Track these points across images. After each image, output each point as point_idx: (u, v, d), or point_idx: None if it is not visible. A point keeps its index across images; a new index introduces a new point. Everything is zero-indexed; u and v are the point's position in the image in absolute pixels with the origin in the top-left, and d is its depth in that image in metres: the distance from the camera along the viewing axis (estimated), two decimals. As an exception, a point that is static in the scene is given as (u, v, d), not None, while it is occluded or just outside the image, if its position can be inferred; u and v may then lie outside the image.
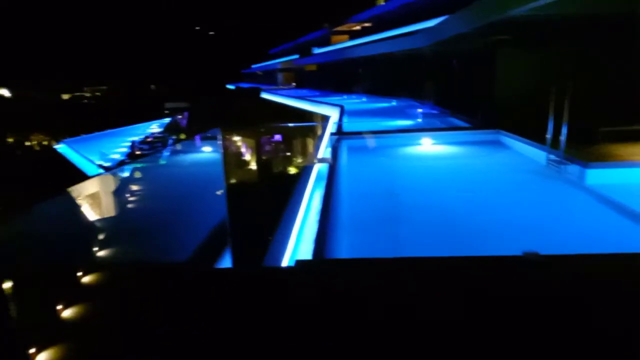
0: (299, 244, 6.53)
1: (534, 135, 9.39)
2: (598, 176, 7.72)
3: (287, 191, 8.45)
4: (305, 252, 5.86)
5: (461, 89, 16.07)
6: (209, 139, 36.16)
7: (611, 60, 11.41)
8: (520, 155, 10.25)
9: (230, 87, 70.18)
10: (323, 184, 8.23)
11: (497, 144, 11.57)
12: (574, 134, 8.55)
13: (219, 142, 34.13)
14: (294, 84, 56.30)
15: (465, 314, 1.85)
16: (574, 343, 1.56)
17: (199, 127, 39.46)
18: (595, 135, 9.37)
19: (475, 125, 12.95)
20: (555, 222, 6.12)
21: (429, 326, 1.81)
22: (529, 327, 1.72)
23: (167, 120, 51.11)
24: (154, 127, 48.42)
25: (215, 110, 48.56)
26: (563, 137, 8.30)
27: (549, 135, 8.81)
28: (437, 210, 6.73)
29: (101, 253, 13.83)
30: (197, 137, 37.87)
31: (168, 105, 56.44)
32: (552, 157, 8.67)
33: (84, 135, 39.20)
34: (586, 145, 9.01)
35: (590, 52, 11.35)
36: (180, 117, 50.97)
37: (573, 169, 8.09)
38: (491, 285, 2.14)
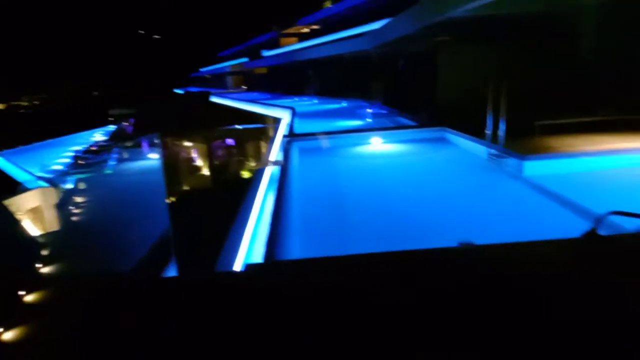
0: (252, 248, 6.48)
1: (477, 131, 9.80)
2: (534, 168, 8.18)
3: (239, 196, 8.37)
4: (258, 255, 5.83)
5: (408, 89, 16.54)
6: (156, 146, 35.13)
7: (546, 56, 12.14)
8: (463, 150, 10.69)
9: (179, 91, 68.49)
10: (276, 186, 8.22)
11: (443, 140, 12.00)
12: (512, 129, 9.04)
13: (167, 149, 33.24)
14: (244, 87, 55.77)
15: (405, 304, 1.92)
16: (505, 328, 1.65)
17: (145, 133, 38.25)
18: (532, 129, 9.93)
19: (421, 124, 13.37)
20: (494, 212, 6.44)
21: (373, 318, 1.87)
22: (463, 313, 1.82)
23: (112, 127, 49.18)
24: (98, 135, 46.49)
25: (162, 115, 47.25)
26: (501, 132, 8.75)
27: (488, 131, 9.25)
28: (386, 207, 6.91)
29: (43, 268, 13.11)
30: (144, 144, 36.69)
31: (112, 112, 54.34)
32: (492, 151, 9.11)
33: (23, 147, 36.96)
34: (524, 139, 9.52)
35: (524, 49, 12.03)
36: (125, 123, 49.17)
37: (511, 161, 8.53)
38: (427, 275, 2.24)
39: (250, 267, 3.70)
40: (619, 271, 2.05)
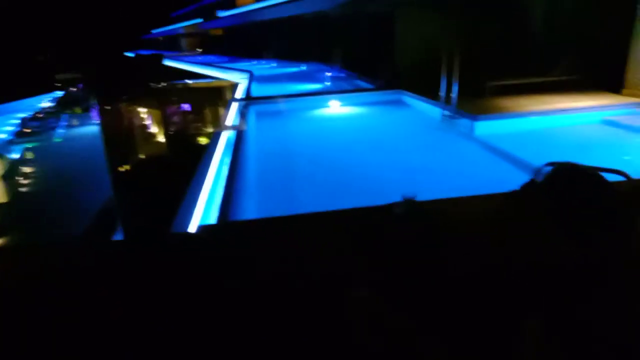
0: (209, 211, 6.42)
1: (433, 93, 9.93)
2: (485, 127, 8.44)
3: (195, 161, 8.21)
4: (214, 218, 5.79)
5: (366, 52, 16.43)
6: (107, 111, 33.63)
7: (498, 19, 12.29)
8: (418, 112, 10.85)
9: (130, 54, 65.19)
10: (231, 149, 8.11)
11: (399, 103, 12.11)
12: (466, 90, 9.23)
13: (118, 113, 31.89)
14: (199, 50, 53.69)
15: (347, 260, 1.97)
16: (439, 281, 1.71)
17: (95, 98, 36.44)
18: (484, 90, 10.16)
19: (379, 87, 13.40)
20: (444, 170, 6.65)
21: (321, 277, 1.90)
22: (400, 266, 1.87)
23: (59, 93, 46.49)
24: (45, 102, 43.88)
25: (113, 80, 45.03)
26: (455, 94, 8.91)
27: (442, 93, 9.40)
28: (341, 167, 6.98)
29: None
30: (94, 110, 35.06)
31: (59, 76, 51.18)
32: (446, 112, 9.29)
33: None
34: (476, 100, 9.75)
35: (478, 11, 12.10)
36: (74, 89, 46.59)
37: (463, 122, 8.74)
38: (371, 231, 2.30)
39: (202, 229, 3.67)
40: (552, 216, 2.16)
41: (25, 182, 21.98)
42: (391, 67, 13.33)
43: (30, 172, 24.44)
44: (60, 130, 33.55)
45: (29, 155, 26.10)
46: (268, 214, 5.32)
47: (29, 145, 26.78)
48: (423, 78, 11.00)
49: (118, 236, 8.46)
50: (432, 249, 2.15)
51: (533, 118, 8.68)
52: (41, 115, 36.47)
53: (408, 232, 2.41)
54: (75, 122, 35.97)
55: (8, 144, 26.88)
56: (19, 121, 34.19)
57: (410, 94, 11.63)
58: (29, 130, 31.52)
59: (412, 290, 1.69)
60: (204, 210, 6.22)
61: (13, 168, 22.06)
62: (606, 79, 9.92)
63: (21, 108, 38.98)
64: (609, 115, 8.72)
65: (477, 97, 9.97)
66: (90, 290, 2.02)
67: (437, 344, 1.26)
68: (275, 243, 2.49)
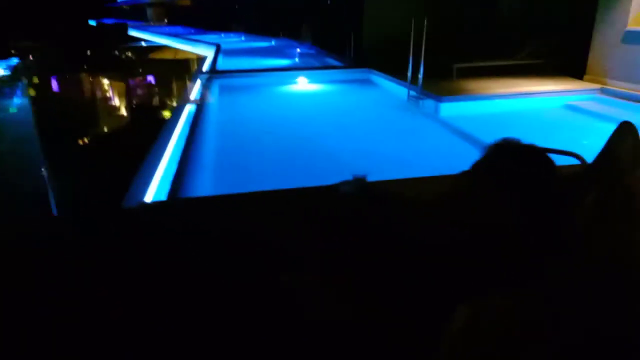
0: (163, 188, 6.13)
1: (400, 72, 9.79)
2: (450, 109, 8.40)
3: (154, 136, 7.85)
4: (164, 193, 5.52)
5: (336, 29, 16.11)
6: (66, 82, 32.12)
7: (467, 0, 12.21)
8: (386, 92, 10.73)
9: (92, 23, 62.22)
10: (189, 124, 7.78)
11: (367, 82, 11.95)
12: (433, 71, 9.14)
13: (79, 85, 30.48)
14: (166, 20, 51.73)
15: (295, 238, 1.86)
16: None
17: (54, 69, 34.68)
18: (450, 71, 10.11)
19: (347, 65, 13.18)
20: (406, 150, 6.57)
21: (272, 255, 1.79)
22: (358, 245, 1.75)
23: (15, 60, 43.94)
24: (0, 70, 41.46)
25: (74, 49, 42.95)
26: (421, 74, 8.80)
27: (410, 73, 9.28)
28: (303, 144, 6.80)
29: None
30: (53, 80, 33.39)
31: (19, 44, 48.30)
32: (412, 92, 9.20)
33: None
34: (443, 81, 9.69)
35: None
36: (32, 57, 44.16)
37: (429, 103, 8.68)
38: (320, 210, 2.20)
39: (141, 205, 3.45)
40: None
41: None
42: (360, 45, 13.11)
43: (-18, 143, 23.15)
44: (17, 100, 31.85)
45: (-19, 126, 24.67)
46: (222, 191, 5.12)
47: (-20, 115, 25.26)
48: (391, 57, 10.85)
49: (72, 210, 8.12)
50: (376, 228, 2.02)
51: (497, 101, 8.70)
52: (-6, 83, 34.46)
53: (352, 210, 2.30)
54: (32, 92, 34.18)
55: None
56: (-31, 89, 32.22)
57: (379, 73, 11.48)
58: (-20, 99, 29.73)
59: (354, 269, 1.58)
60: (157, 187, 5.94)
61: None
62: (570, 65, 10.03)
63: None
64: (571, 100, 8.84)
65: (444, 79, 9.92)
66: (40, 268, 1.92)
67: (392, 324, 1.23)
68: (218, 221, 2.36)
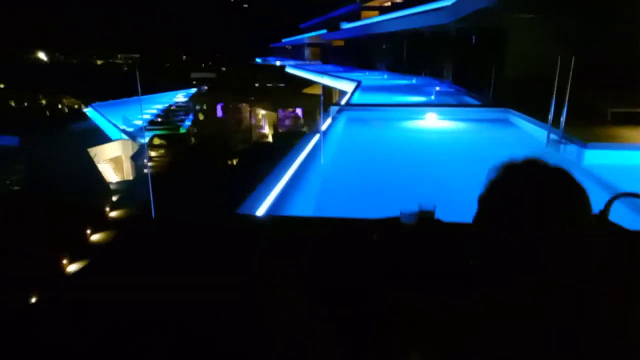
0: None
1: (542, 113, 8.93)
2: (596, 157, 7.34)
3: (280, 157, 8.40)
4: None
5: (478, 68, 15.52)
6: (229, 111, 36.34)
7: (626, 33, 10.64)
8: (524, 133, 9.88)
9: (258, 60, 70.08)
10: (310, 151, 8.15)
11: (505, 122, 11.16)
12: (584, 114, 8.15)
13: (239, 114, 34.26)
14: (320, 59, 55.74)
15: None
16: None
17: (222, 98, 39.68)
18: (604, 116, 8.89)
19: (485, 103, 12.52)
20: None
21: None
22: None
23: (192, 90, 51.58)
24: (180, 96, 49.00)
25: (239, 82, 48.67)
26: (563, 116, 7.89)
27: (550, 114, 8.39)
28: (416, 179, 6.57)
29: (112, 212, 14.13)
30: (219, 107, 38.10)
31: (195, 75, 56.85)
32: (553, 136, 8.29)
33: (112, 101, 39.60)
34: (594, 126, 8.57)
35: (599, 25, 10.55)
36: (205, 87, 51.34)
37: (571, 148, 7.72)
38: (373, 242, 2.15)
39: (244, 218, 3.67)
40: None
41: (150, 164, 24.69)
42: (501, 84, 12.38)
43: (155, 156, 27.39)
44: (187, 123, 37.19)
45: (157, 142, 29.31)
46: (321, 214, 5.19)
47: (158, 133, 30.08)
48: (534, 97, 10.00)
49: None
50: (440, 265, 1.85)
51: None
52: (173, 108, 40.82)
53: (410, 242, 2.15)
54: (201, 117, 39.55)
55: (142, 130, 30.41)
56: (155, 111, 38.67)
57: (517, 113, 10.65)
58: (160, 120, 35.44)
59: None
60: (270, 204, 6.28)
61: (141, 150, 24.92)
62: None
63: (161, 100, 44.00)
64: None
65: (595, 122, 8.76)
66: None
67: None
68: (291, 243, 2.40)
